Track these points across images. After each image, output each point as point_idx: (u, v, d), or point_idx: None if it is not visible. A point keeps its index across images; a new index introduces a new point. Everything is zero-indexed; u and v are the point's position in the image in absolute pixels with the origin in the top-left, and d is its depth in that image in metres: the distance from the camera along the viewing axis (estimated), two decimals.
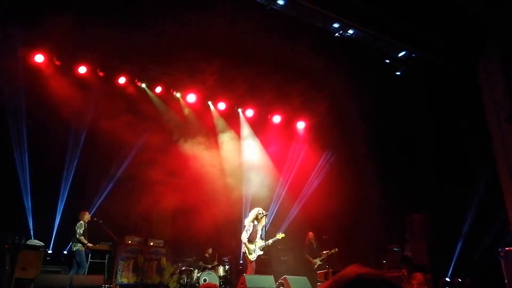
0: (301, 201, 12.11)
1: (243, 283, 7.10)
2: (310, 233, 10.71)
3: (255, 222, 8.13)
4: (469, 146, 10.35)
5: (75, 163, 9.70)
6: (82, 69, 10.01)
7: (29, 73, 9.24)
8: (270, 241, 8.19)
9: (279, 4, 9.72)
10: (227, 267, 9.69)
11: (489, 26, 10.25)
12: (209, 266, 9.58)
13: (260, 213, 8.18)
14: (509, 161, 9.59)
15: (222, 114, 12.19)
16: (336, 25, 10.61)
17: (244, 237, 8.03)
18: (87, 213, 8.83)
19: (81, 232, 8.44)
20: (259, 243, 8.07)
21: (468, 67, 10.57)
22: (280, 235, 8.28)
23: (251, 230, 8.07)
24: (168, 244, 10.17)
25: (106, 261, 8.88)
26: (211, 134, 11.84)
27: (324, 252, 10.25)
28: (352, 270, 1.37)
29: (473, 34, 10.25)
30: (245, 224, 8.45)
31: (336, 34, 10.74)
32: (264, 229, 8.25)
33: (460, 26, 10.04)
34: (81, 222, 8.55)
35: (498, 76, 10.01)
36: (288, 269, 10.33)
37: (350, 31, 10.70)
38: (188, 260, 9.83)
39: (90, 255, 8.69)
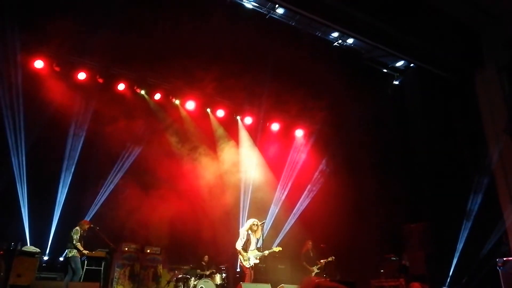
0: (299, 209, 12.08)
1: None
2: (309, 241, 10.66)
3: (249, 232, 8.09)
4: (467, 155, 10.39)
5: (73, 169, 9.65)
6: (82, 75, 10.02)
7: (28, 78, 9.23)
8: (266, 252, 8.16)
9: (278, 13, 9.82)
10: (224, 275, 9.63)
11: (486, 38, 10.37)
12: (207, 273, 9.53)
13: (254, 224, 8.13)
14: (506, 171, 9.63)
15: (221, 121, 12.19)
16: (335, 34, 10.72)
17: (238, 245, 8.00)
18: (87, 222, 8.75)
19: (78, 238, 8.37)
20: (254, 252, 8.01)
21: (466, 78, 10.66)
22: (276, 249, 8.27)
23: (245, 239, 8.04)
24: (165, 251, 10.09)
25: (102, 268, 8.78)
26: (210, 141, 11.83)
27: (322, 260, 10.21)
28: (310, 280, 1.39)
29: (470, 45, 10.36)
30: (240, 232, 8.42)
31: (335, 43, 10.84)
32: (261, 240, 8.21)
33: (457, 38, 10.16)
34: (77, 228, 8.48)
35: (495, 87, 10.09)
36: (286, 278, 10.27)
37: (349, 41, 10.81)
38: (185, 267, 9.76)
39: (86, 262, 8.59)
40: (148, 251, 9.81)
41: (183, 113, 11.63)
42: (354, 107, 11.41)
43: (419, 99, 11.55)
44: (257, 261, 8.02)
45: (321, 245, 10.65)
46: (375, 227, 10.89)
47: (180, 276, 9.33)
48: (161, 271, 9.83)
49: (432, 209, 10.16)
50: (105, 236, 8.72)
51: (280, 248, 8.31)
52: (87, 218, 9.17)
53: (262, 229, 8.26)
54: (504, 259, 7.85)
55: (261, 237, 8.25)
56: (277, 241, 11.22)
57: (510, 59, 9.88)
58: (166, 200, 10.01)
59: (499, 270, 7.76)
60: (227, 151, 11.79)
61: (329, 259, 10.08)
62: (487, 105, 10.18)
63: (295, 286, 7.99)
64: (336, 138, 12.47)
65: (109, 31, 8.87)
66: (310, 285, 1.40)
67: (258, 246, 8.14)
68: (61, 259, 8.87)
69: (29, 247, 8.16)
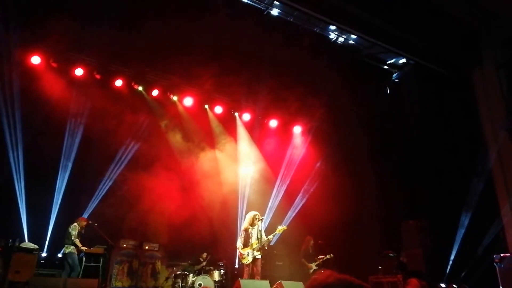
0: (297, 205, 12.08)
1: (238, 287, 7.06)
2: (309, 238, 10.63)
3: (249, 227, 8.07)
4: (465, 153, 10.40)
5: (70, 165, 9.63)
6: (79, 71, 9.98)
7: (25, 74, 9.18)
8: (271, 236, 8.13)
9: (276, 8, 9.78)
10: (222, 271, 9.64)
11: (484, 35, 10.36)
12: (205, 268, 9.53)
13: (255, 215, 8.12)
14: (504, 169, 9.65)
15: (219, 117, 12.17)
16: (333, 31, 10.69)
17: (238, 243, 8.03)
18: (85, 220, 8.75)
19: (76, 234, 8.38)
20: (254, 245, 7.97)
21: (464, 75, 10.66)
22: (281, 228, 8.18)
23: (243, 236, 8.05)
24: (164, 248, 10.09)
25: (100, 264, 8.76)
26: (208, 138, 11.81)
27: (320, 257, 10.22)
28: (326, 275, 1.38)
29: (468, 43, 10.36)
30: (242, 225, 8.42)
31: (334, 40, 10.81)
32: (262, 233, 8.16)
33: (456, 35, 10.15)
34: (75, 224, 8.49)
35: (493, 85, 10.09)
36: (284, 274, 10.28)
37: (348, 37, 10.78)
38: (183, 264, 9.77)
39: (84, 258, 8.59)
40: (147, 247, 9.81)
41: (181, 109, 11.60)
42: (353, 104, 11.40)
43: (417, 96, 11.55)
44: (257, 253, 7.94)
45: (319, 241, 10.67)
46: (374, 223, 10.91)
47: (178, 272, 9.32)
48: (159, 267, 9.83)
49: (430, 206, 10.18)
50: (103, 233, 8.71)
51: (285, 227, 8.23)
52: (85, 215, 9.18)
53: (261, 223, 8.22)
54: (501, 255, 7.89)
55: (261, 232, 8.19)
56: (275, 237, 11.22)
57: (508, 57, 9.89)
58: (165, 197, 10.01)
59: (496, 266, 7.80)
60: (225, 148, 11.78)
61: (328, 256, 10.06)
62: (486, 102, 10.19)
63: (293, 282, 7.99)
64: (334, 135, 12.46)
65: (106, 27, 8.81)
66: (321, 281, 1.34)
67: (258, 237, 8.06)
68: (59, 255, 8.87)
69: (27, 244, 8.15)
